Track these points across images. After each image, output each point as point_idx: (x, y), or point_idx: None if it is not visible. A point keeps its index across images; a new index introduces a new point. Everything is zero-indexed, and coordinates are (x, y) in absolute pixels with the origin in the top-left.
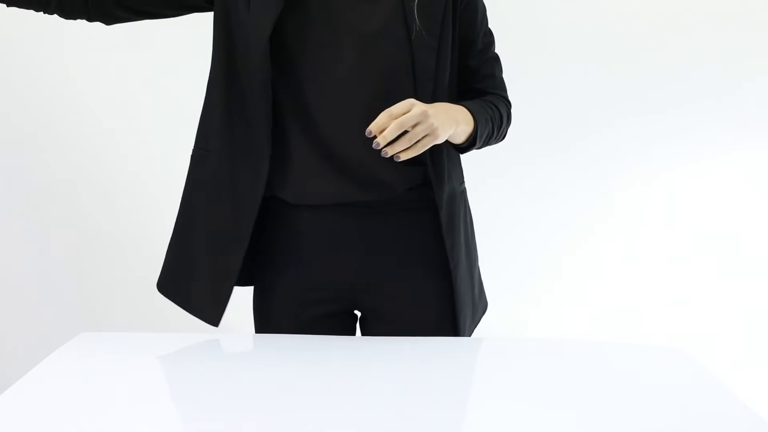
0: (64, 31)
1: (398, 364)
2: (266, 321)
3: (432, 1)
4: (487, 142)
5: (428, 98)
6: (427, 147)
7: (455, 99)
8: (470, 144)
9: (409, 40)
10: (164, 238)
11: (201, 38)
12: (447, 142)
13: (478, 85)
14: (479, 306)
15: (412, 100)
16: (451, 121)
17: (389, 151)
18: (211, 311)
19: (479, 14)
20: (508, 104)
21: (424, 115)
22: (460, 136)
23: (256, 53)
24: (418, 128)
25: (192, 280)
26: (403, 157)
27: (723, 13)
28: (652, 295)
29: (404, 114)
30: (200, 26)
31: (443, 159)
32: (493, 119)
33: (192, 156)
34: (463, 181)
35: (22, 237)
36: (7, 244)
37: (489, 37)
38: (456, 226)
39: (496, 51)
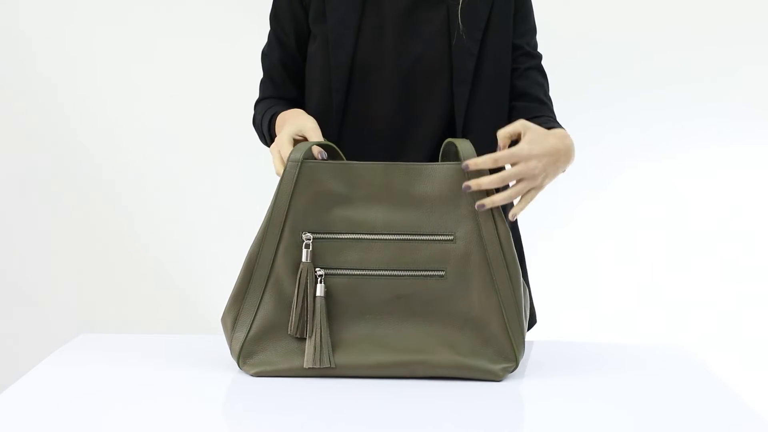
0: (65, 32)
1: None
2: None
3: (475, 9)
4: None
5: (463, 102)
6: (532, 200)
7: (505, 107)
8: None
9: (450, 46)
10: (165, 238)
11: (201, 39)
12: (475, 137)
13: (528, 90)
14: None
15: (520, 151)
16: (562, 168)
17: (487, 204)
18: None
19: (527, 22)
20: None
21: (533, 173)
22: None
23: (336, 71)
24: (522, 185)
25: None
26: (512, 216)
27: (721, 13)
28: (652, 294)
29: (512, 164)
30: (201, 28)
31: None
32: None
33: None
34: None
35: (23, 237)
36: (7, 244)
37: (536, 48)
38: None
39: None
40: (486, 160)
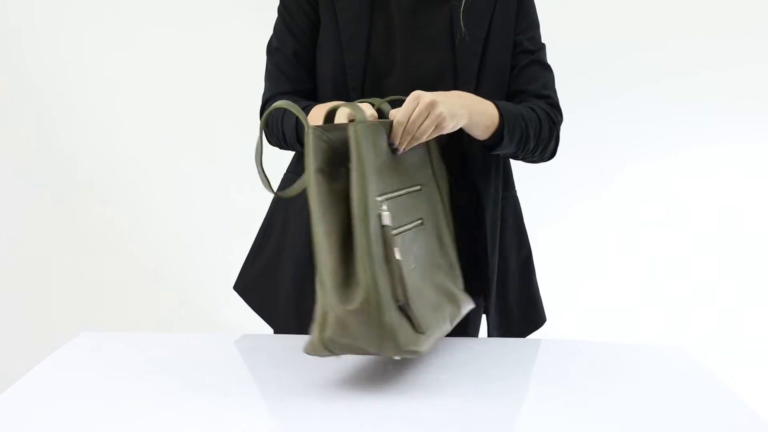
0: (59, 33)
1: (403, 362)
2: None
3: (478, 8)
4: (524, 147)
5: None
6: (434, 136)
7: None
8: (498, 141)
9: (453, 45)
10: (164, 238)
11: (199, 40)
12: (474, 141)
13: (525, 87)
14: (521, 321)
15: (416, 94)
16: (462, 108)
17: (402, 144)
18: (294, 331)
19: (528, 17)
20: (553, 113)
21: (431, 106)
22: (478, 128)
23: (352, 70)
24: (426, 123)
25: (279, 302)
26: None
27: (724, 11)
28: (652, 293)
29: (411, 114)
30: (202, 31)
31: (474, 167)
32: (527, 119)
33: (285, 179)
34: (507, 188)
35: (23, 237)
36: (7, 243)
37: (538, 43)
38: (497, 234)
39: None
40: (397, 130)
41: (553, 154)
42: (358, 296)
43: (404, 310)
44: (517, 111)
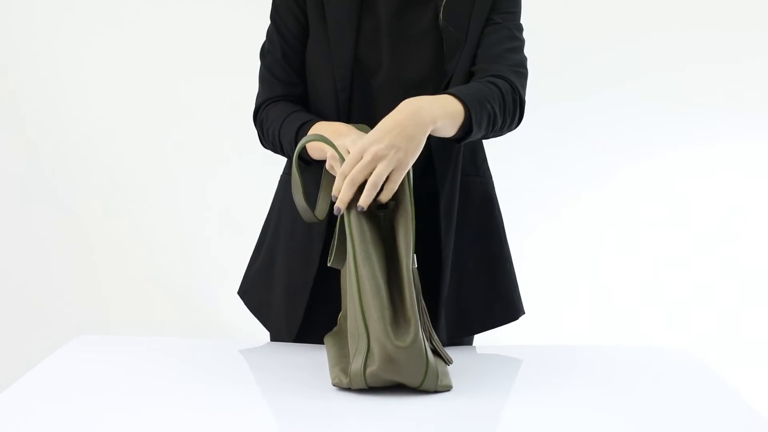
0: (60, 33)
1: None
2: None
3: (461, 5)
4: (493, 127)
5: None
6: (400, 179)
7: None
8: (467, 132)
9: (441, 45)
10: (164, 238)
11: (198, 39)
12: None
13: (482, 52)
14: (477, 312)
15: (359, 146)
16: (417, 132)
17: (362, 204)
18: (285, 333)
19: (505, 6)
20: (514, 76)
21: (377, 156)
22: (445, 130)
23: (339, 71)
24: (379, 169)
25: (272, 301)
26: (384, 199)
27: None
28: (653, 293)
29: (355, 166)
30: (202, 29)
31: (445, 151)
32: (490, 99)
33: (281, 181)
34: (473, 174)
35: (23, 237)
36: (7, 244)
37: (510, 21)
38: (453, 218)
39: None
40: (344, 187)
41: (520, 121)
42: (410, 334)
43: (433, 344)
44: (480, 94)
